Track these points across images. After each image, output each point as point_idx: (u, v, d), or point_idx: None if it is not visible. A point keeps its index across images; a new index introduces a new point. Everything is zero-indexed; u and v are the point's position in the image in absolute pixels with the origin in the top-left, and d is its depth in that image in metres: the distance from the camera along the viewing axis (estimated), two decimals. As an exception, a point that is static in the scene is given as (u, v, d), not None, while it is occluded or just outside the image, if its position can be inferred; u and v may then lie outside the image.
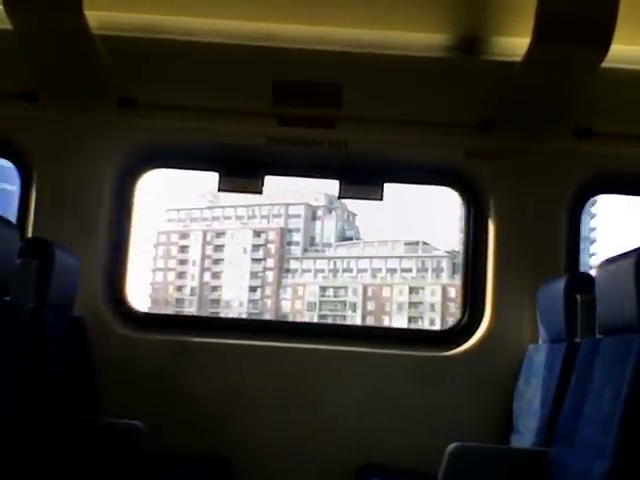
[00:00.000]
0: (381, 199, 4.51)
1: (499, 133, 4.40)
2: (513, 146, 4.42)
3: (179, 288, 37.07)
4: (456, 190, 4.62)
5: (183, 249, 37.53)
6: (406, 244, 35.88)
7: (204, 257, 36.43)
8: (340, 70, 4.22)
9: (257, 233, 36.75)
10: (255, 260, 35.78)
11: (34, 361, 3.24)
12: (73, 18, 3.76)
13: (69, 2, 3.72)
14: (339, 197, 4.57)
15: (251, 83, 4.28)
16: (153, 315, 4.81)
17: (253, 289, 34.98)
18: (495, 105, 4.28)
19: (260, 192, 4.56)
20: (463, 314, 4.50)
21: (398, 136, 4.42)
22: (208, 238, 37.12)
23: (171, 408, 4.20)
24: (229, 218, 37.20)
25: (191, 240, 37.52)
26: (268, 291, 34.73)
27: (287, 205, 35.95)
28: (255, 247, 35.56)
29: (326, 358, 4.33)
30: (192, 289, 36.93)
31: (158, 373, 4.25)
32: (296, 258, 35.36)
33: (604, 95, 4.13)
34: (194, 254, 37.72)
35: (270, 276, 34.93)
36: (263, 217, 37.11)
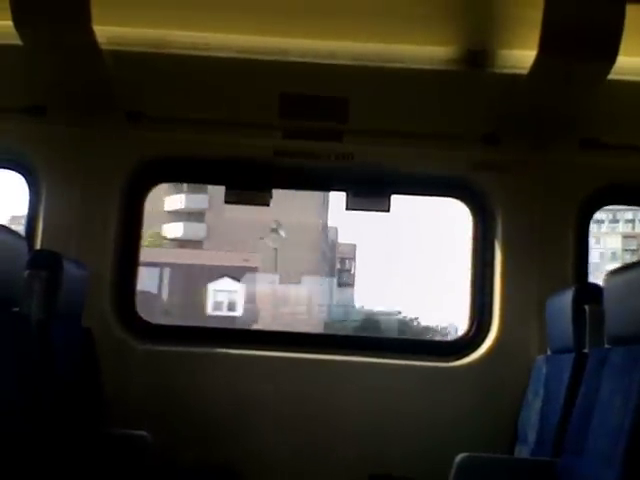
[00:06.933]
0: (388, 210, 4.51)
1: (506, 145, 4.41)
2: (520, 158, 4.42)
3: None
4: (463, 202, 4.62)
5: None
6: None
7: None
8: (346, 83, 4.24)
9: (626, 237, 35.88)
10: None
11: (41, 372, 3.25)
12: (82, 33, 3.79)
13: (78, 17, 3.75)
14: (346, 209, 4.58)
15: (258, 96, 4.30)
16: (162, 326, 4.81)
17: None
18: (501, 117, 4.28)
19: (267, 204, 4.57)
20: (471, 324, 4.48)
21: (404, 148, 4.43)
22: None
23: (179, 418, 4.19)
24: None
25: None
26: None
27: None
28: (625, 251, 34.92)
29: (334, 368, 4.32)
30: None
31: (166, 384, 4.25)
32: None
33: (611, 107, 4.13)
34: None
35: None
36: (627, 222, 36.25)
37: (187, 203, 28.19)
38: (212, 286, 22.78)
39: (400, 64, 4.14)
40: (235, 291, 23.07)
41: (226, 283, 23.15)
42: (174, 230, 28.97)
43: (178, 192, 24.89)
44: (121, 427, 3.76)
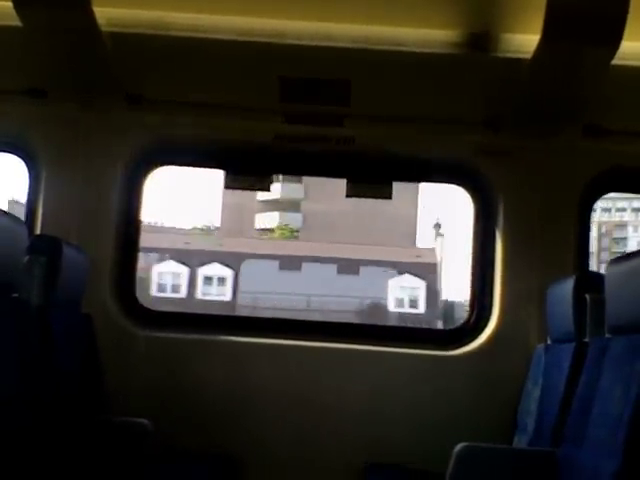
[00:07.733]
0: (389, 197, 4.49)
1: (508, 130, 4.38)
2: (523, 143, 4.40)
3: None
4: (465, 188, 4.60)
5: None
6: None
7: (600, 250, 36.30)
8: (348, 67, 4.20)
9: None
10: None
11: (41, 358, 3.25)
12: (82, 15, 3.76)
13: None
14: (347, 195, 4.55)
15: (258, 80, 4.27)
16: (162, 313, 4.81)
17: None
18: (505, 102, 4.25)
19: (268, 190, 4.55)
20: (471, 313, 4.48)
21: (407, 133, 4.40)
22: (603, 230, 36.65)
23: (179, 406, 4.21)
24: (623, 210, 36.08)
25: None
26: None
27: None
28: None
29: (334, 356, 4.33)
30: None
31: (167, 370, 4.26)
32: None
33: (614, 92, 4.09)
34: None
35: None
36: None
37: (282, 193, 27.43)
38: (392, 282, 22.46)
39: (403, 47, 4.10)
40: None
41: (406, 280, 22.68)
42: (268, 220, 28.43)
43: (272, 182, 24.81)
44: (121, 414, 3.76)
